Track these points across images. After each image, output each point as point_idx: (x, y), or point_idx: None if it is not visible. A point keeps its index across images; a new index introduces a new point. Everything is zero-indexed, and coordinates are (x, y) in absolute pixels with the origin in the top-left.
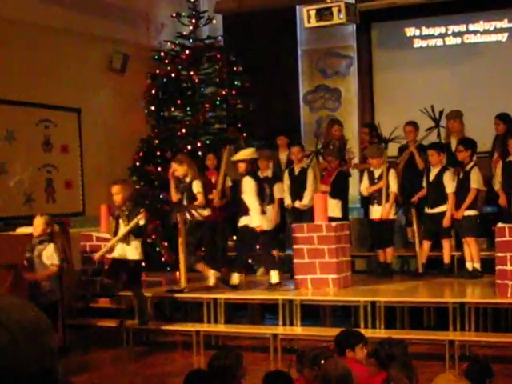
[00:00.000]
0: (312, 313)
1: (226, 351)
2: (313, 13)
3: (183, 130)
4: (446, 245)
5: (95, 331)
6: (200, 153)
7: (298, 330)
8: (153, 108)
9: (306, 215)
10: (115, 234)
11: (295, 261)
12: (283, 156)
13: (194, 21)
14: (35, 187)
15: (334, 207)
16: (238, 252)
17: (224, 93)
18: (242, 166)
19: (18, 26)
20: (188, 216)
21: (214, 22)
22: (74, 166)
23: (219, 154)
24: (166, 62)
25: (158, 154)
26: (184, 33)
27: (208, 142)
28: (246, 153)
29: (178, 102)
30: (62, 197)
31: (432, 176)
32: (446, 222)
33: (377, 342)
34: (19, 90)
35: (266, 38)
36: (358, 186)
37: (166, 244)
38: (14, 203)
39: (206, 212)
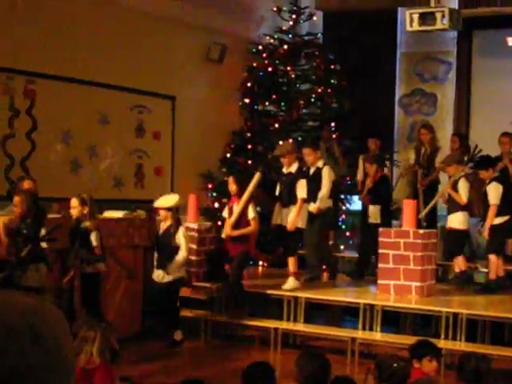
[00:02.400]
0: (391, 319)
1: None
2: (416, 16)
3: (276, 125)
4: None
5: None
6: None
7: (378, 335)
8: (247, 101)
9: (318, 219)
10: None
11: (380, 265)
12: None
13: (294, 16)
14: (125, 172)
15: (374, 213)
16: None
17: (320, 90)
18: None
19: (121, 13)
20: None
21: (315, 18)
22: (164, 153)
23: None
24: (264, 55)
25: (250, 147)
26: (283, 27)
27: (300, 138)
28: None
29: (273, 96)
30: (150, 183)
31: None
32: None
33: (461, 355)
34: (116, 75)
35: (365, 38)
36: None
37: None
38: (103, 186)
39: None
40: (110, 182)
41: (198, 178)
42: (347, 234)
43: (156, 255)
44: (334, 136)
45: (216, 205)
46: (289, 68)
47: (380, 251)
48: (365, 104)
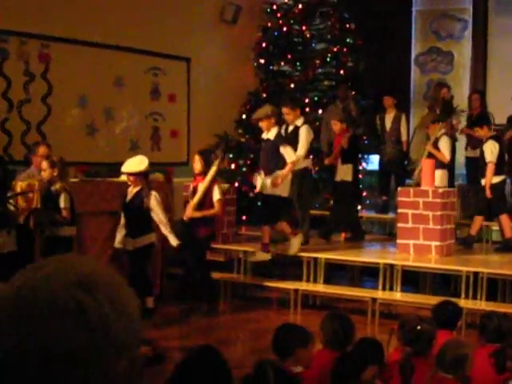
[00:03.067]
0: (411, 279)
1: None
2: None
3: (291, 85)
4: None
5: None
6: (307, 109)
7: (398, 295)
8: (262, 61)
9: (296, 181)
10: None
11: (399, 225)
12: (389, 117)
13: None
14: (141, 135)
15: (346, 171)
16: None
17: (335, 50)
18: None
19: None
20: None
21: None
22: (180, 115)
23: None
24: (278, 15)
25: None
26: None
27: (316, 98)
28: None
29: (288, 56)
30: (167, 145)
31: None
32: None
33: (482, 315)
34: (130, 37)
35: None
36: (465, 152)
37: None
38: (119, 149)
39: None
40: (126, 145)
41: (214, 140)
42: (364, 193)
43: (123, 222)
44: (350, 95)
45: (233, 166)
46: (304, 27)
47: (399, 211)
48: (381, 63)
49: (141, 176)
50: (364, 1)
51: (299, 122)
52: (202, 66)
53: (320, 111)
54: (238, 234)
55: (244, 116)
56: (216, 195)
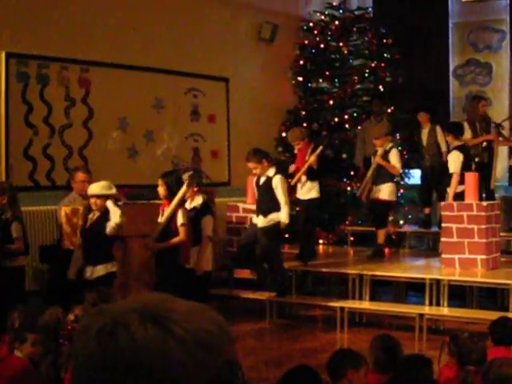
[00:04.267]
0: (456, 293)
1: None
2: None
3: (330, 102)
4: None
5: (238, 302)
6: (347, 125)
7: (445, 310)
8: (300, 79)
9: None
10: None
11: (443, 239)
12: (425, 132)
13: None
14: (182, 156)
15: (311, 189)
16: None
17: (373, 65)
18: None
19: None
20: None
21: None
22: (220, 135)
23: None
24: (315, 32)
25: (305, 125)
26: (334, 3)
27: (355, 114)
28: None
29: (326, 73)
30: (208, 166)
31: None
32: None
33: None
34: (168, 59)
35: (416, 10)
36: (508, 162)
37: None
38: (161, 171)
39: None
40: (167, 166)
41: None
42: (406, 208)
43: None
44: (385, 110)
45: None
46: (341, 44)
47: (443, 225)
48: (419, 76)
49: (106, 200)
50: (400, 15)
51: (271, 172)
52: (241, 86)
53: (360, 127)
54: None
55: (284, 134)
56: (179, 220)
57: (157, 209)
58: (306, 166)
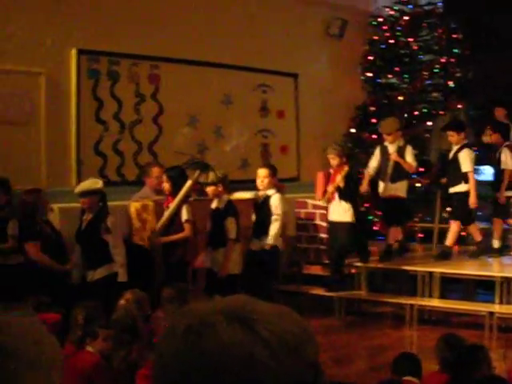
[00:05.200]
0: None
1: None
2: None
3: (400, 98)
4: None
5: (307, 298)
6: (415, 121)
7: None
8: (369, 74)
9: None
10: None
11: None
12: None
13: None
14: (251, 152)
15: (342, 212)
16: None
17: (443, 60)
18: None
19: None
20: None
21: None
22: (289, 131)
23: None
24: (384, 28)
25: (374, 121)
26: None
27: (425, 110)
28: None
29: (396, 68)
30: (277, 162)
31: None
32: None
33: None
34: (237, 55)
35: (486, 4)
36: None
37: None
38: (230, 167)
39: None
40: (236, 162)
41: (323, 155)
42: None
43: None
44: (459, 106)
45: None
46: (410, 39)
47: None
48: (490, 72)
49: (96, 197)
50: (471, 10)
51: (270, 191)
52: (310, 82)
53: (430, 123)
54: None
55: (353, 130)
56: (184, 216)
57: None
58: (332, 187)
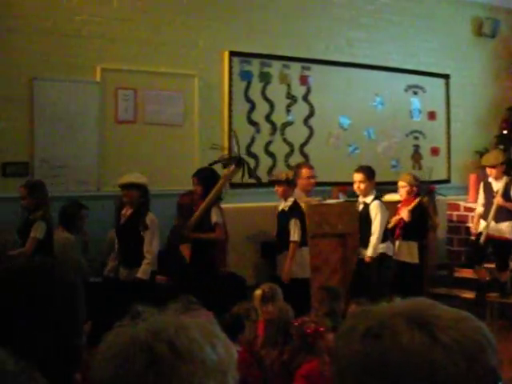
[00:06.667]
0: None
1: None
2: None
3: None
4: None
5: (457, 302)
6: None
7: None
8: None
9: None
10: None
11: None
12: None
13: None
14: (402, 153)
15: (407, 251)
16: None
17: None
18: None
19: None
20: None
21: None
22: (440, 132)
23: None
24: None
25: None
26: None
27: None
28: None
29: None
30: (428, 163)
31: None
32: None
33: None
34: (389, 56)
35: None
36: None
37: None
38: (382, 169)
39: None
40: (388, 164)
41: (475, 156)
42: None
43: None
44: None
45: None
46: None
47: None
48: None
49: (138, 191)
50: None
51: (369, 198)
52: (461, 82)
53: None
54: None
55: (505, 132)
56: (213, 218)
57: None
58: (393, 220)
